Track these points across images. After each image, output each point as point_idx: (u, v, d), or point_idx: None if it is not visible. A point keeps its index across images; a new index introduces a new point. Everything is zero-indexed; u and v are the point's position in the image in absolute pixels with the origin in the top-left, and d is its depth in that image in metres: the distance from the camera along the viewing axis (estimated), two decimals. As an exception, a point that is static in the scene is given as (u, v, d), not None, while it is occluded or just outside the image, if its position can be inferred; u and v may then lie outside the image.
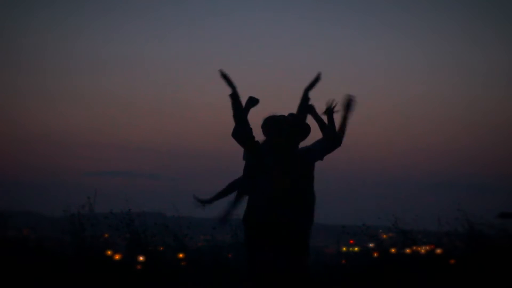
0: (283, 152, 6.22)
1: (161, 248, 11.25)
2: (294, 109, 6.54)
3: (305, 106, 6.51)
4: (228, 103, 6.19)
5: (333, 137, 6.39)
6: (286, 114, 6.45)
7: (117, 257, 11.06)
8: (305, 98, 6.55)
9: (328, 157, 6.48)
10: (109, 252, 11.01)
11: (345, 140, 6.54)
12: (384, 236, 12.13)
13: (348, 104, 6.52)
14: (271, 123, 6.30)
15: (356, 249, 13.00)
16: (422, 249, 11.69)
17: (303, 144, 6.50)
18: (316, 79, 6.56)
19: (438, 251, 11.55)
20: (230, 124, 6.20)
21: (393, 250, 11.60)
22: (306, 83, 6.57)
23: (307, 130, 6.46)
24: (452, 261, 11.31)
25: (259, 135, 6.29)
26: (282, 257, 6.07)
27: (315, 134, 6.51)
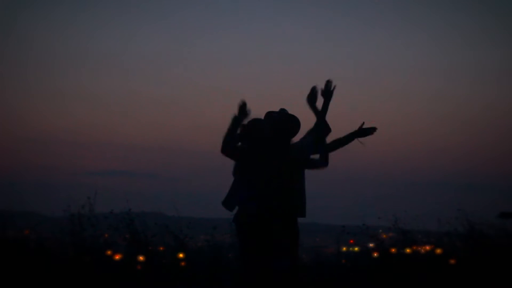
0: (274, 148, 6.20)
1: (161, 248, 11.26)
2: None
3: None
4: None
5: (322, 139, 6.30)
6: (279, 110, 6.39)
7: (117, 257, 11.07)
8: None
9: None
10: (109, 252, 11.02)
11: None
12: (384, 236, 12.13)
13: (328, 91, 6.28)
14: (266, 120, 6.28)
15: (356, 249, 13.00)
16: (422, 249, 11.70)
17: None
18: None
19: (438, 251, 11.56)
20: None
21: (393, 250, 11.60)
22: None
23: (297, 125, 6.37)
24: (452, 261, 11.32)
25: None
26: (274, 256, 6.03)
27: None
